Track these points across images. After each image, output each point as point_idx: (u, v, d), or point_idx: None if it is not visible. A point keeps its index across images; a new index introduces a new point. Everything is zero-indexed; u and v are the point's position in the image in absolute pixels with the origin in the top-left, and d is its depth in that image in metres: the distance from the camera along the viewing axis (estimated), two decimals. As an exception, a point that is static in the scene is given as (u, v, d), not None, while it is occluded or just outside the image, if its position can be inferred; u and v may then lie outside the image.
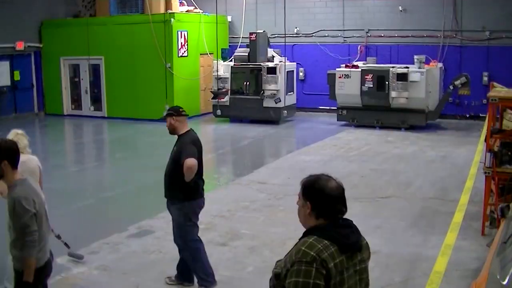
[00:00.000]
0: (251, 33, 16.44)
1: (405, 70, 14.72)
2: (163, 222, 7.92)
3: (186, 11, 17.72)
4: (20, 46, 17.96)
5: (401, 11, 17.13)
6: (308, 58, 18.51)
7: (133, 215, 8.27)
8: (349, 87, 15.44)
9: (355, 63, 16.07)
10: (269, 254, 6.64)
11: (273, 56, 16.87)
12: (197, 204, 5.63)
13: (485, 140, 7.08)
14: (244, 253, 6.72)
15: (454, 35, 16.56)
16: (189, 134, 5.71)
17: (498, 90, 7.83)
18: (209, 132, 16.29)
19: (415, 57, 15.10)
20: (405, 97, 14.63)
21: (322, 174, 2.82)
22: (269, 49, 16.94)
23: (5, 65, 18.05)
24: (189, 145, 5.52)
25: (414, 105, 14.79)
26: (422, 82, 14.58)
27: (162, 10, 17.09)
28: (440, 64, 15.73)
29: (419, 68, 14.83)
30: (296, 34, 18.58)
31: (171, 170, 5.65)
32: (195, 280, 5.72)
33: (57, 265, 6.43)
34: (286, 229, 7.53)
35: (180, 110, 5.76)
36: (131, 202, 9.16)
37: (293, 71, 17.27)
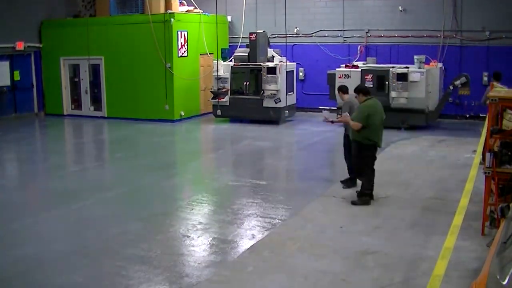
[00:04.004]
0: (251, 33, 16.44)
1: (405, 70, 14.72)
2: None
3: (186, 11, 17.72)
4: (20, 46, 17.96)
5: (401, 11, 17.13)
6: (308, 58, 18.52)
7: (133, 216, 8.27)
8: (349, 87, 15.39)
9: (355, 63, 16.07)
10: (269, 254, 6.65)
11: (273, 56, 16.87)
12: None
13: (485, 141, 7.07)
14: (244, 253, 6.72)
15: (454, 35, 16.56)
16: None
17: (498, 90, 7.83)
18: (209, 132, 16.28)
19: (415, 57, 15.09)
20: (405, 97, 14.64)
21: None
22: (269, 49, 16.94)
23: (5, 65, 18.05)
24: None
25: (414, 105, 14.78)
26: (422, 82, 14.59)
27: (162, 10, 17.09)
28: (440, 64, 15.73)
29: (419, 68, 14.83)
30: (296, 34, 18.58)
31: None
32: None
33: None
34: (286, 229, 7.54)
35: None
36: (131, 202, 9.16)
37: (293, 71, 17.26)
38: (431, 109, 15.13)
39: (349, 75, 15.41)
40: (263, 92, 16.20)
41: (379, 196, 8.99)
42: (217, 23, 17.93)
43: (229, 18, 19.43)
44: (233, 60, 16.97)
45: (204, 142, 15.68)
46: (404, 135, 14.56)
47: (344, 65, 16.01)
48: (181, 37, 17.16)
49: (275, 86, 16.02)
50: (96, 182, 10.66)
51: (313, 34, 18.44)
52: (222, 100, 16.68)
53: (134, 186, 10.03)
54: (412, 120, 15.10)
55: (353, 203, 8.42)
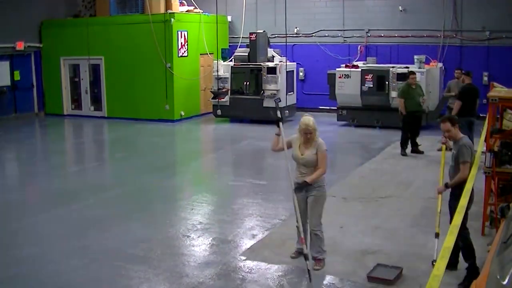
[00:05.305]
0: (251, 33, 16.44)
1: (405, 70, 14.71)
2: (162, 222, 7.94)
3: (186, 11, 17.72)
4: (20, 46, 17.96)
5: (401, 11, 17.13)
6: (308, 58, 18.51)
7: (133, 215, 8.27)
8: (349, 87, 15.44)
9: (355, 63, 16.07)
10: (269, 254, 6.65)
11: (273, 56, 16.88)
12: None
13: (485, 141, 7.08)
14: (244, 253, 6.72)
15: (454, 35, 16.56)
16: None
17: (498, 90, 7.83)
18: (209, 132, 16.29)
19: (415, 57, 15.10)
20: (405, 97, 14.62)
21: None
22: (269, 49, 16.94)
23: (5, 65, 18.05)
24: None
25: (414, 105, 14.77)
26: (422, 82, 14.57)
27: (162, 10, 17.09)
28: (440, 64, 15.73)
29: (419, 68, 14.83)
30: (296, 34, 18.58)
31: None
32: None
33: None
34: (286, 229, 7.54)
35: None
36: (131, 202, 9.16)
37: (293, 71, 17.26)
38: (431, 109, 15.12)
39: (349, 75, 15.43)
40: (263, 92, 16.20)
41: (379, 196, 9.00)
42: (217, 23, 17.94)
43: (229, 18, 19.43)
44: (233, 60, 16.97)
45: (204, 142, 15.68)
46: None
47: (344, 65, 16.02)
48: (181, 37, 17.16)
49: (275, 86, 16.03)
50: (96, 182, 10.66)
51: (313, 34, 18.44)
52: (222, 100, 16.68)
53: (134, 186, 10.03)
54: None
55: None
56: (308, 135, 6.17)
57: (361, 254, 6.55)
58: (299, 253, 6.33)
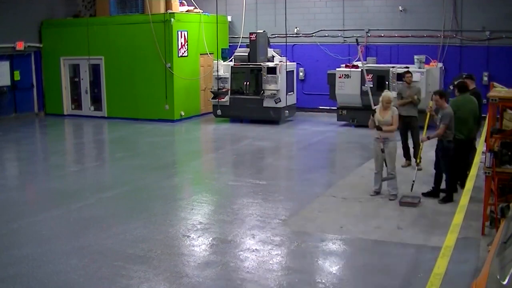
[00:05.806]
0: (251, 33, 16.45)
1: (405, 70, 14.70)
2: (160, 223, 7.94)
3: (186, 11, 17.72)
4: (20, 46, 17.97)
5: (401, 11, 17.13)
6: (308, 58, 18.52)
7: (133, 216, 8.27)
8: (349, 87, 15.44)
9: (355, 63, 16.07)
10: (269, 254, 6.65)
11: (273, 56, 16.88)
12: None
13: (485, 141, 7.08)
14: (244, 253, 6.72)
15: (454, 35, 16.56)
16: None
17: (498, 90, 7.83)
18: (209, 132, 16.28)
19: (415, 57, 15.10)
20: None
21: None
22: (269, 49, 16.94)
23: (5, 65, 18.05)
24: None
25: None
26: (422, 82, 14.57)
27: (162, 10, 17.10)
28: (440, 64, 15.73)
29: (419, 68, 14.83)
30: (296, 34, 18.59)
31: None
32: None
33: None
34: (286, 229, 7.54)
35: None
36: (131, 202, 9.16)
37: (293, 71, 17.26)
38: (431, 109, 15.11)
39: (349, 75, 15.43)
40: (263, 92, 16.20)
41: (379, 196, 9.00)
42: (217, 23, 17.95)
43: (229, 18, 19.44)
44: (233, 60, 16.98)
45: (204, 142, 15.68)
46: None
47: (344, 65, 16.02)
48: (181, 37, 17.16)
49: (275, 86, 16.03)
50: (96, 182, 10.66)
51: (313, 34, 18.45)
52: (222, 100, 16.69)
53: (134, 186, 10.03)
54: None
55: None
56: (385, 104, 8.80)
57: (362, 254, 6.55)
58: (376, 192, 9.00)
